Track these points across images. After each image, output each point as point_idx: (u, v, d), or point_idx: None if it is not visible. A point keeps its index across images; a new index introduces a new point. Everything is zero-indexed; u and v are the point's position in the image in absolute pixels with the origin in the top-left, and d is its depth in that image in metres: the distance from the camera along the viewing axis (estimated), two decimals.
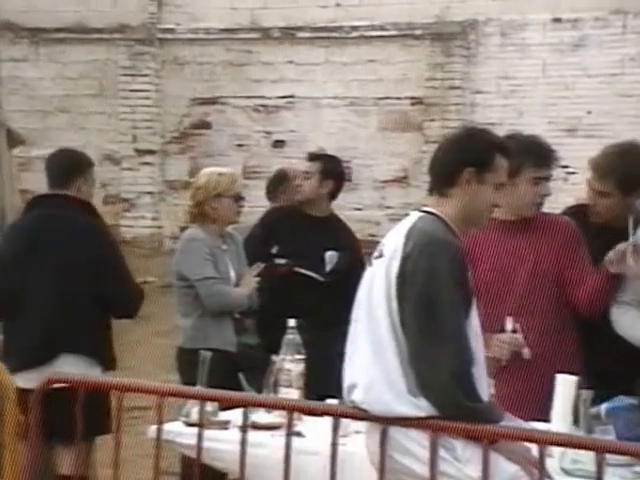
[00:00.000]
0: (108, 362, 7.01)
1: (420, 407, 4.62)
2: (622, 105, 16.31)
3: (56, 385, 5.56)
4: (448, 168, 4.91)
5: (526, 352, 5.95)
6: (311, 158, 8.20)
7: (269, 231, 7.98)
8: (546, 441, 4.68)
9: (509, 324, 5.94)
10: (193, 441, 5.47)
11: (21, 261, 7.16)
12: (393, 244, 4.80)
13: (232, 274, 7.26)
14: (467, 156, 4.89)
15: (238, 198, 7.54)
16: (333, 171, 8.00)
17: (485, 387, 4.79)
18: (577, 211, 6.66)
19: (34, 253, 7.12)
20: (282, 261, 7.55)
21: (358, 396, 4.78)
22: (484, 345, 5.39)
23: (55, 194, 7.21)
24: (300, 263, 7.61)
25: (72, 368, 6.55)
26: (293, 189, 8.35)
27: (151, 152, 18.22)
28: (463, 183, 4.85)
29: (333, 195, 8.05)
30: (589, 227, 6.34)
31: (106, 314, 7.13)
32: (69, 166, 7.15)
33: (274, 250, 7.68)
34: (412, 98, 18.07)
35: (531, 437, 4.68)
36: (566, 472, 4.96)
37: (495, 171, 4.90)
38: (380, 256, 4.84)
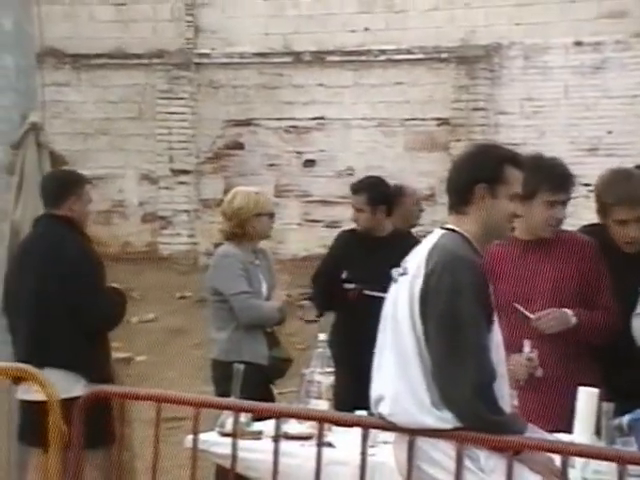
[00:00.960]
0: (95, 375, 6.88)
1: (444, 419, 4.61)
2: (634, 125, 16.26)
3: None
4: (462, 186, 4.88)
5: (539, 372, 5.93)
6: (355, 191, 8.12)
7: (337, 259, 7.97)
8: (569, 452, 4.65)
9: (527, 346, 5.93)
10: (227, 451, 5.48)
11: (9, 281, 7.34)
12: (417, 262, 4.78)
13: (264, 288, 7.25)
14: (477, 173, 4.87)
15: (271, 215, 7.56)
16: (381, 196, 7.97)
17: (507, 399, 4.77)
18: (594, 229, 6.62)
19: (18, 272, 7.24)
20: (351, 285, 7.50)
21: (385, 409, 4.77)
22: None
23: (45, 214, 7.25)
24: (369, 285, 7.56)
25: (53, 382, 6.54)
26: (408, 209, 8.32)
27: (186, 172, 18.25)
28: (478, 199, 4.82)
29: (389, 213, 8.04)
30: (607, 245, 6.32)
31: (84, 327, 7.05)
32: (60, 186, 7.14)
33: (344, 275, 7.65)
34: (438, 119, 18.06)
35: (554, 448, 4.65)
36: None
37: (507, 183, 4.85)
38: (404, 273, 4.82)
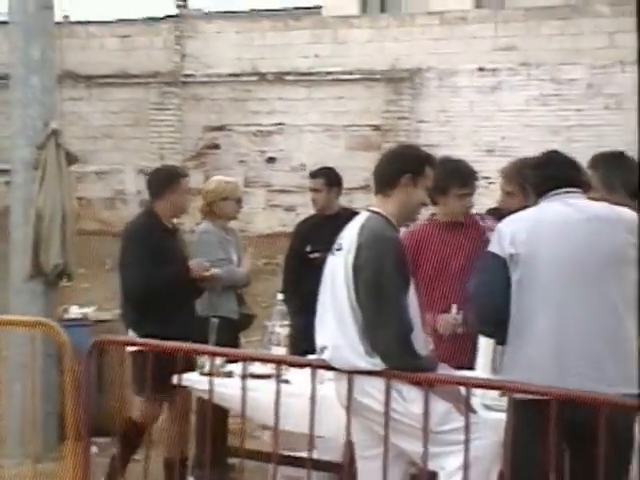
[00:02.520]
0: (142, 332, 6.63)
1: (375, 364, 4.67)
2: (527, 133, 16.35)
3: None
4: (390, 175, 4.91)
5: (460, 330, 5.95)
6: (314, 176, 8.10)
7: (302, 236, 7.98)
8: (471, 384, 4.73)
9: (454, 309, 5.95)
10: (206, 387, 5.52)
11: None
12: (349, 239, 4.83)
13: (234, 258, 7.22)
14: (406, 165, 4.90)
15: (239, 201, 7.53)
16: (335, 180, 7.98)
17: (423, 345, 4.84)
18: (494, 211, 6.70)
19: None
20: (316, 254, 7.47)
21: (328, 355, 4.83)
22: (433, 321, 5.88)
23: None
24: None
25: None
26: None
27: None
28: (402, 186, 4.86)
29: (338, 195, 8.04)
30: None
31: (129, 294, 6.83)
32: (158, 181, 6.94)
33: (308, 249, 7.64)
34: (372, 125, 18.06)
35: (460, 381, 4.76)
36: (486, 407, 4.98)
37: (425, 177, 4.91)
38: (340, 248, 4.86)
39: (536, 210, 4.76)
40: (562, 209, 4.64)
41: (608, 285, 4.51)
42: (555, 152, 5.06)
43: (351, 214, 7.65)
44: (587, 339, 4.44)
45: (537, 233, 4.60)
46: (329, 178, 7.97)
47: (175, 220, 7.09)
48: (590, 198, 5.00)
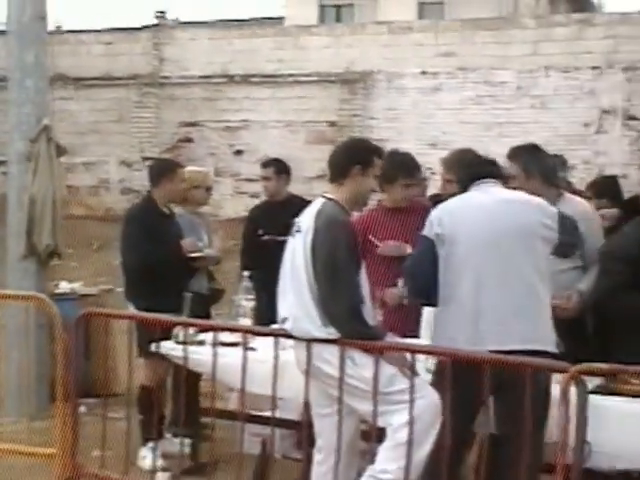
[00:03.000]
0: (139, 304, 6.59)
1: (331, 333, 4.65)
2: (464, 129, 16.41)
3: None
4: (343, 165, 4.89)
5: (406, 301, 5.93)
6: (265, 165, 8.05)
7: (255, 221, 7.86)
8: (416, 350, 4.74)
9: (400, 283, 5.93)
10: (181, 354, 5.53)
11: None
12: (307, 222, 4.80)
13: (205, 239, 7.15)
14: (356, 157, 4.89)
15: (209, 189, 7.48)
16: (283, 169, 7.93)
17: (372, 315, 4.81)
18: (435, 197, 6.70)
19: None
20: (267, 237, 7.43)
21: (288, 325, 4.81)
22: (382, 295, 5.81)
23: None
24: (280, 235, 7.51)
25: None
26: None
27: (152, 158, 17.93)
28: (353, 175, 4.84)
29: (286, 183, 7.95)
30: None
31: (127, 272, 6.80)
32: (155, 172, 6.86)
33: (260, 232, 7.57)
34: (328, 122, 18.08)
35: (406, 348, 4.75)
36: (429, 370, 4.95)
37: (374, 167, 4.88)
38: (299, 230, 4.85)
39: (459, 197, 4.98)
40: (480, 196, 4.86)
41: (519, 257, 4.69)
42: (470, 151, 5.31)
43: (299, 200, 7.69)
44: (500, 303, 4.63)
45: (458, 216, 4.81)
46: (278, 167, 7.90)
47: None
48: (510, 187, 5.25)
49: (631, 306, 5.33)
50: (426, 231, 4.88)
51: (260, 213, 7.93)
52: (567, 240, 4.94)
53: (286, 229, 5.15)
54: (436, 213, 4.93)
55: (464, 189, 5.04)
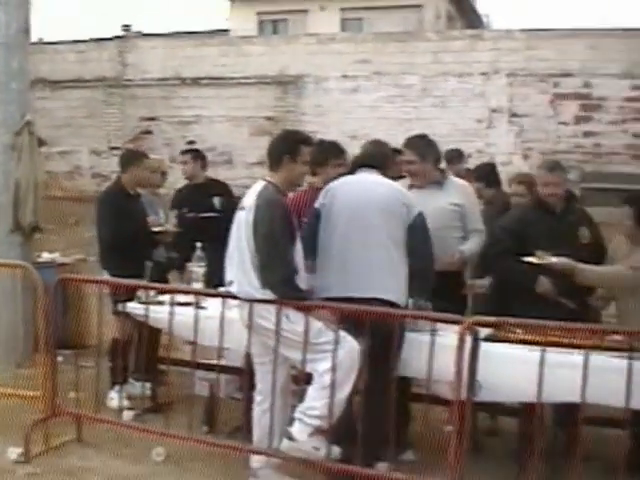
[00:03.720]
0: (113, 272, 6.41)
1: (268, 295, 4.66)
2: (379, 123, 16.43)
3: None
4: (277, 155, 4.88)
5: None
6: (184, 153, 7.87)
7: (179, 201, 7.66)
8: (343, 307, 4.75)
9: None
10: (143, 312, 5.51)
11: None
12: (250, 201, 4.80)
13: (162, 216, 7.04)
14: (286, 148, 4.88)
15: (164, 173, 7.40)
16: (199, 155, 7.75)
17: (304, 282, 4.79)
18: None
19: None
20: (191, 214, 7.34)
21: (234, 288, 4.81)
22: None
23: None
24: (201, 212, 7.42)
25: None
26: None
27: (118, 148, 17.79)
28: (285, 164, 4.83)
29: (203, 168, 7.74)
30: None
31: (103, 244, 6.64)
32: (124, 160, 6.71)
33: (185, 210, 7.46)
34: (267, 117, 17.99)
35: (331, 308, 4.75)
36: None
37: (302, 155, 4.87)
38: (243, 208, 4.83)
39: (344, 178, 5.24)
40: (358, 177, 5.14)
41: (378, 226, 4.91)
42: (379, 142, 5.63)
43: (216, 183, 7.64)
44: (362, 263, 4.86)
45: (338, 190, 5.08)
46: (194, 153, 7.78)
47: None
48: (406, 170, 5.76)
49: (512, 267, 5.49)
50: (316, 203, 5.14)
51: (182, 194, 7.78)
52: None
53: (207, 207, 5.16)
54: (324, 189, 5.20)
55: (351, 172, 5.31)
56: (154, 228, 6.67)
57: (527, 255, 5.34)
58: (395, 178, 5.78)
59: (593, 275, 5.25)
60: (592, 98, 15.73)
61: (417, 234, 4.96)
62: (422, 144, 5.83)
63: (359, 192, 5.02)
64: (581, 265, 5.25)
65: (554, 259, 5.27)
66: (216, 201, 7.46)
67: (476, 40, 16.87)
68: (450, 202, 5.68)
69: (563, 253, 5.31)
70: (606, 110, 15.63)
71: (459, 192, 5.76)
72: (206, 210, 7.34)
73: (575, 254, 5.33)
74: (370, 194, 4.99)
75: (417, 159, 5.74)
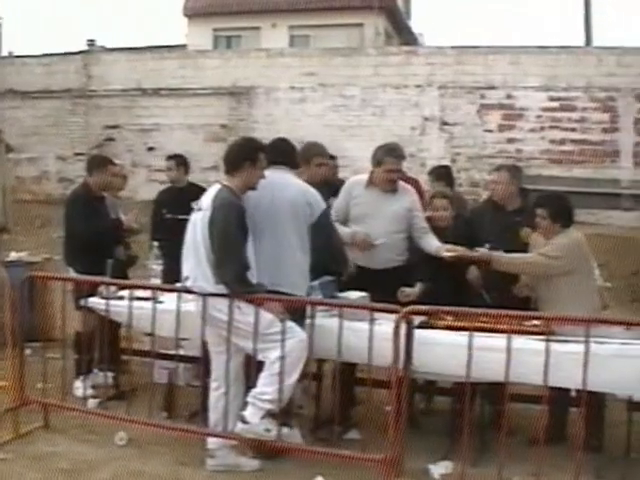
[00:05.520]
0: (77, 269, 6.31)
1: (222, 289, 4.62)
2: (325, 131, 16.42)
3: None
4: (236, 160, 4.83)
5: None
6: (168, 158, 7.87)
7: (160, 203, 7.62)
8: (287, 301, 4.73)
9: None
10: (104, 307, 5.42)
11: None
12: (207, 202, 4.76)
13: (122, 217, 6.92)
14: (246, 154, 4.83)
15: (125, 177, 7.31)
16: (183, 161, 7.73)
17: (255, 277, 4.74)
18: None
19: None
20: (169, 215, 7.25)
21: (189, 283, 4.77)
22: None
23: None
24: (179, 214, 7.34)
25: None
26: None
27: (82, 154, 17.55)
28: (244, 169, 4.78)
29: (186, 173, 7.72)
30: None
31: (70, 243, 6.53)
32: (91, 164, 6.60)
33: (164, 212, 7.38)
34: (221, 125, 17.88)
35: (281, 300, 4.72)
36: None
37: (260, 161, 4.83)
38: (200, 209, 4.78)
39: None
40: (269, 180, 4.88)
41: (287, 223, 4.87)
42: (281, 140, 5.34)
43: (196, 187, 7.58)
44: (271, 258, 4.80)
45: (259, 190, 4.87)
46: (178, 160, 7.74)
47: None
48: (392, 178, 5.70)
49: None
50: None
51: (164, 196, 7.75)
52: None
53: (185, 210, 5.08)
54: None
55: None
56: (128, 228, 6.60)
57: (477, 247, 5.47)
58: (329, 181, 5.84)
59: (505, 261, 5.34)
60: (514, 108, 15.93)
61: (322, 231, 4.96)
62: (403, 154, 5.86)
63: (269, 191, 4.89)
64: (496, 254, 5.33)
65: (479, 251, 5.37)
66: (195, 205, 7.42)
67: (411, 55, 16.96)
68: (403, 207, 5.76)
69: (506, 248, 5.43)
70: (526, 119, 15.84)
71: (408, 197, 5.82)
72: (184, 212, 7.32)
73: (515, 250, 5.46)
74: (280, 194, 4.91)
75: (401, 168, 5.80)
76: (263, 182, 4.87)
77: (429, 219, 5.82)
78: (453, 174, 7.58)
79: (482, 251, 5.37)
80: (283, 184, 4.97)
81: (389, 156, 5.73)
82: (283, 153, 5.14)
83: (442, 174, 7.33)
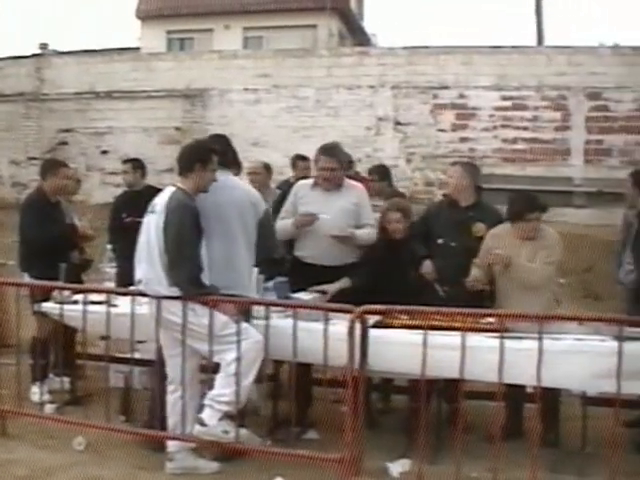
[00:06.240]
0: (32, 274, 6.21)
1: (176, 292, 4.59)
2: (279, 132, 16.46)
3: None
4: (189, 162, 4.81)
5: None
6: (125, 162, 7.82)
7: (118, 207, 7.57)
8: (240, 302, 4.71)
9: None
10: (58, 312, 5.35)
11: None
12: (161, 205, 4.73)
13: (76, 221, 6.83)
14: (198, 156, 4.81)
15: (78, 181, 7.24)
16: (139, 165, 7.70)
17: (208, 279, 4.70)
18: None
19: None
20: (129, 219, 7.18)
21: (143, 286, 4.72)
22: None
23: None
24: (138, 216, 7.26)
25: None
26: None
27: (36, 158, 17.29)
28: (196, 171, 4.75)
29: (143, 176, 7.69)
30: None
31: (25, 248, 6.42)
32: (44, 169, 6.51)
33: (123, 215, 7.31)
34: (175, 127, 17.74)
35: (235, 301, 4.70)
36: (254, 317, 4.92)
37: (212, 163, 4.81)
38: (154, 212, 4.74)
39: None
40: (218, 183, 4.87)
41: (234, 224, 4.84)
42: (219, 137, 5.40)
43: (154, 190, 7.49)
44: (221, 257, 4.75)
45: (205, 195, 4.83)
46: (135, 163, 7.71)
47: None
48: (327, 177, 5.74)
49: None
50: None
51: (122, 200, 7.70)
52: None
53: (144, 213, 5.02)
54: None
55: None
56: (84, 233, 6.55)
57: (433, 241, 5.68)
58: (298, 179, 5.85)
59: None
60: (467, 108, 16.04)
61: (264, 230, 4.99)
62: (339, 152, 5.91)
63: (217, 196, 4.88)
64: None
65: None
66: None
67: (364, 56, 17.00)
68: (350, 202, 5.82)
69: (458, 242, 5.63)
70: (479, 118, 15.97)
71: (355, 192, 5.88)
72: (143, 215, 7.29)
73: (467, 244, 5.57)
74: (228, 198, 4.90)
75: (337, 166, 5.82)
76: (214, 188, 4.86)
77: (384, 231, 5.84)
78: (391, 173, 7.87)
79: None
80: (230, 188, 4.96)
81: (323, 154, 5.85)
82: (220, 153, 5.11)
83: (383, 174, 7.59)
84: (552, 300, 5.44)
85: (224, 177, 4.97)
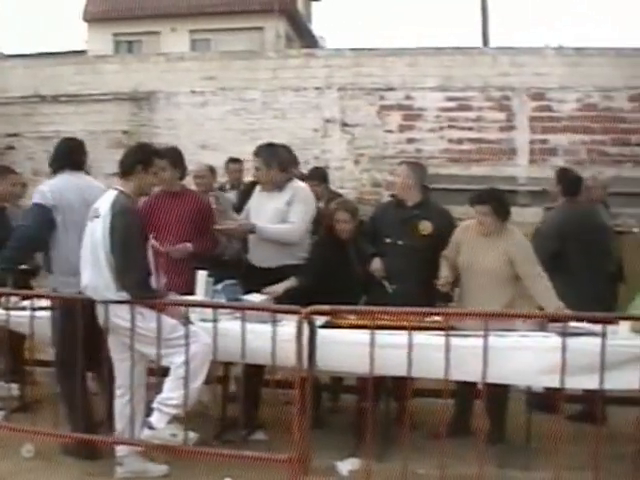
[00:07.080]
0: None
1: (123, 296, 4.55)
2: (226, 134, 16.34)
3: None
4: (130, 164, 4.78)
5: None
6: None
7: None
8: (187, 304, 4.70)
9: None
10: (5, 318, 5.26)
11: None
12: (104, 209, 4.68)
13: None
14: (140, 157, 4.79)
15: (24, 185, 7.12)
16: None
17: (155, 282, 4.69)
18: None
19: None
20: None
21: (90, 292, 4.67)
22: (165, 255, 5.57)
23: None
24: None
25: None
26: None
27: None
28: (137, 173, 4.74)
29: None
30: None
31: None
32: None
33: None
34: (122, 131, 17.49)
35: (185, 303, 4.69)
36: (203, 320, 4.88)
37: (154, 165, 4.81)
38: (97, 216, 4.69)
39: (60, 177, 5.38)
40: (71, 178, 5.23)
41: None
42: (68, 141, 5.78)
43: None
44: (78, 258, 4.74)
45: (63, 190, 5.11)
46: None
47: None
48: (255, 177, 5.95)
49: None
50: (42, 200, 5.06)
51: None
52: None
53: None
54: (45, 188, 5.23)
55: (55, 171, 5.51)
56: None
57: (381, 240, 5.80)
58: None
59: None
60: (413, 109, 16.15)
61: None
62: (268, 153, 5.90)
63: (82, 192, 5.03)
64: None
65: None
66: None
67: (310, 58, 17.01)
68: (283, 201, 5.86)
69: (404, 241, 5.73)
70: (425, 119, 16.08)
71: (292, 192, 5.89)
72: None
73: (414, 242, 5.68)
74: (88, 195, 5.00)
75: (263, 167, 5.82)
76: (69, 182, 5.08)
77: (331, 230, 5.85)
78: (327, 173, 8.14)
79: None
80: (88, 187, 5.15)
81: (254, 155, 5.93)
82: (66, 156, 5.55)
83: (323, 177, 7.74)
84: (517, 297, 5.51)
85: (75, 178, 5.22)
